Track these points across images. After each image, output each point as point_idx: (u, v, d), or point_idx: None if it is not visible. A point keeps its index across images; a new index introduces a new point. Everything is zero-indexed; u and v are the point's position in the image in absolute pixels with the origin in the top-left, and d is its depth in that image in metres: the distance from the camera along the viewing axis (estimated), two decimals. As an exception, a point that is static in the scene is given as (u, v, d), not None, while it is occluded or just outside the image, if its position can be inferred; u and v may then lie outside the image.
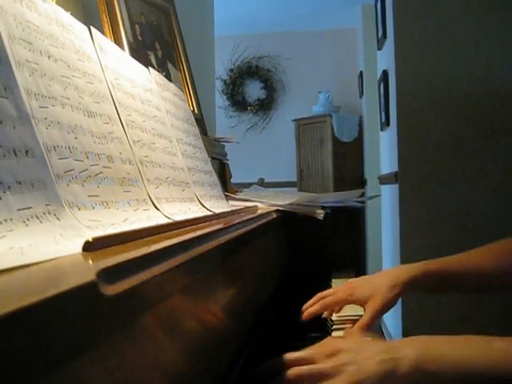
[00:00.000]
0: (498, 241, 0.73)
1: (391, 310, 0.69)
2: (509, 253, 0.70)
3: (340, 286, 0.73)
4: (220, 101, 4.07)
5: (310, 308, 0.70)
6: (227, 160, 1.35)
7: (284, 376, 0.46)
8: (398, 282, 0.66)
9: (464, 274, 0.69)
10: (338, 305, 0.72)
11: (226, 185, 1.28)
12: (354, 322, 0.68)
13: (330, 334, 0.69)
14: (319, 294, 0.72)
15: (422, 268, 0.69)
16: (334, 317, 0.75)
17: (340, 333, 0.68)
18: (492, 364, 0.45)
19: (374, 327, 0.69)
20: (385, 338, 0.69)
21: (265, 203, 0.96)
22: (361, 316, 0.67)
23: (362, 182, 3.77)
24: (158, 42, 1.10)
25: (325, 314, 0.72)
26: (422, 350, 0.47)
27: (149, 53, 1.04)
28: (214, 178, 0.76)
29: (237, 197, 1.08)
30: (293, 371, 0.47)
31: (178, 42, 1.21)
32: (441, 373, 0.46)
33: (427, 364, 0.46)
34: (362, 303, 0.68)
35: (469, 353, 0.47)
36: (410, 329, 1.99)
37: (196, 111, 1.21)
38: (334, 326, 0.72)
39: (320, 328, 0.71)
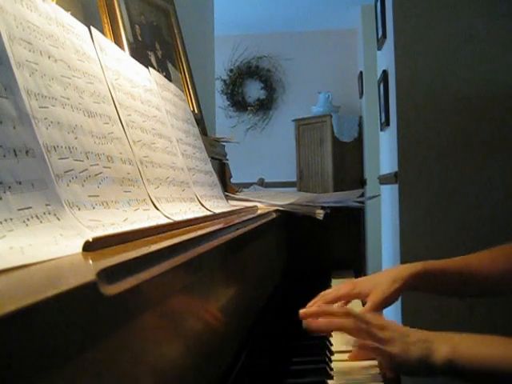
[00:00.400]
0: (499, 245, 0.73)
1: (391, 310, 0.69)
2: (509, 257, 0.70)
3: (342, 283, 0.73)
4: (220, 101, 4.07)
5: (311, 308, 0.70)
6: (227, 160, 1.35)
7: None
8: (399, 278, 0.68)
9: (465, 275, 0.70)
10: (340, 299, 0.71)
11: (226, 185, 1.28)
12: None
13: (330, 334, 0.69)
14: (322, 293, 0.72)
15: (423, 266, 0.70)
16: None
17: (339, 336, 0.67)
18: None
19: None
20: None
21: (264, 203, 0.96)
22: None
23: (361, 182, 3.77)
24: (158, 42, 1.11)
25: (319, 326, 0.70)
26: (455, 345, 0.51)
27: (149, 53, 1.04)
28: (214, 178, 0.76)
29: (237, 197, 1.08)
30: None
31: (178, 42, 1.21)
32: (470, 369, 0.50)
33: (459, 359, 0.50)
34: (363, 297, 0.69)
35: (499, 352, 0.50)
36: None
37: (196, 111, 1.21)
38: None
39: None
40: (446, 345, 0.51)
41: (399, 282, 0.67)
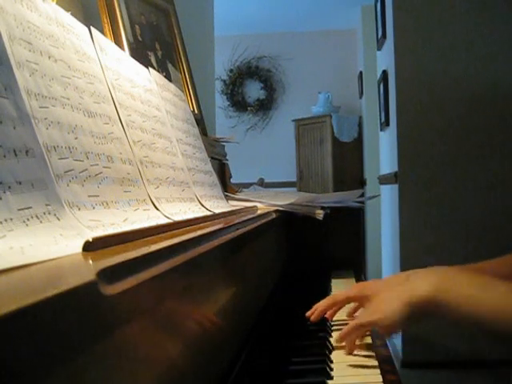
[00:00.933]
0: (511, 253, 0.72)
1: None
2: None
3: (352, 287, 0.73)
4: (220, 101, 4.07)
5: (320, 306, 0.70)
6: (227, 160, 1.35)
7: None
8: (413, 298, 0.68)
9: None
10: (350, 299, 0.71)
11: (226, 185, 1.28)
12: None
13: (330, 334, 0.69)
14: (332, 295, 0.72)
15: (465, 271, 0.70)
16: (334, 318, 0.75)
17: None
18: (507, 309, 0.48)
19: (374, 329, 0.69)
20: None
21: (264, 203, 0.96)
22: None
23: (361, 182, 3.77)
24: (158, 43, 1.11)
25: (327, 314, 0.71)
26: (438, 282, 0.52)
27: (149, 53, 1.04)
28: (214, 178, 0.76)
29: (236, 197, 1.08)
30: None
31: (178, 42, 1.21)
32: (453, 308, 0.50)
33: (440, 297, 0.50)
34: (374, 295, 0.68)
35: (484, 294, 0.50)
36: (409, 329, 1.99)
37: (196, 111, 1.21)
38: (334, 327, 0.72)
39: (320, 328, 0.71)
40: (429, 282, 0.52)
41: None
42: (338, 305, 0.70)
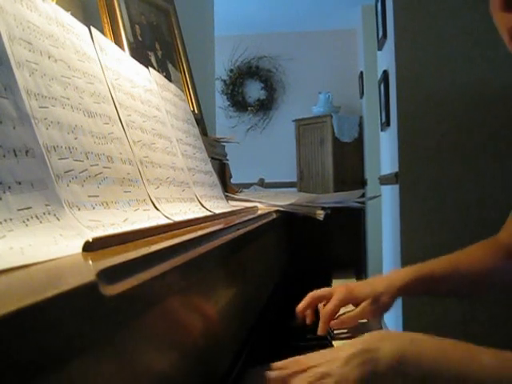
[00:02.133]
0: (487, 239, 0.73)
1: (391, 310, 0.69)
2: (494, 251, 0.70)
3: (336, 288, 0.72)
4: (220, 101, 4.07)
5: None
6: (227, 160, 1.35)
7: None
8: (392, 289, 0.68)
9: (455, 276, 0.70)
10: (339, 309, 0.69)
11: (226, 185, 1.28)
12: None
13: (330, 335, 0.69)
14: (312, 294, 0.71)
15: (414, 274, 0.70)
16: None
17: (340, 342, 0.67)
18: (476, 380, 0.40)
19: (374, 329, 0.69)
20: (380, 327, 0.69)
21: (265, 203, 0.96)
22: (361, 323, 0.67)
23: (362, 183, 3.77)
24: (158, 43, 1.10)
25: (320, 330, 0.68)
26: (403, 350, 0.42)
27: (149, 53, 1.04)
28: (214, 178, 0.76)
29: (237, 197, 1.08)
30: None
31: (178, 42, 1.21)
32: (419, 377, 0.41)
33: (406, 366, 0.41)
34: (359, 302, 0.69)
35: (453, 363, 0.41)
36: (410, 329, 1.99)
37: (196, 111, 1.21)
38: (335, 331, 0.72)
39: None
40: (392, 350, 0.42)
41: (392, 293, 0.67)
42: (331, 318, 0.68)
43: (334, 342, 0.68)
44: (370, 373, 0.41)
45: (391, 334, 0.45)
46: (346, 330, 0.70)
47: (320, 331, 0.67)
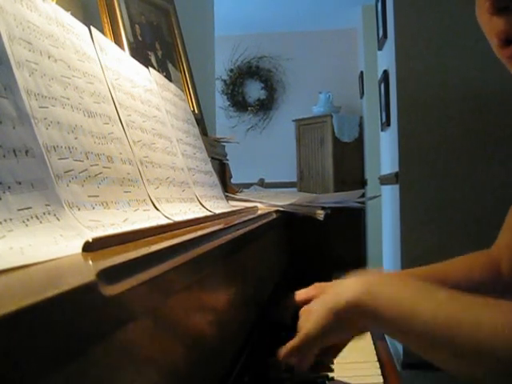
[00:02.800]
0: (475, 252, 0.72)
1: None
2: (484, 265, 0.69)
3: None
4: (220, 101, 4.07)
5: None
6: (227, 160, 1.35)
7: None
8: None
9: (442, 284, 0.69)
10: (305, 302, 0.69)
11: (226, 185, 1.27)
12: None
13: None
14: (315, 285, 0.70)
15: (408, 275, 0.68)
16: None
17: None
18: (429, 314, 0.40)
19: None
20: None
21: (265, 203, 0.96)
22: None
23: (362, 183, 3.77)
24: (158, 42, 1.10)
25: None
26: (365, 286, 0.46)
27: (149, 53, 1.04)
28: (214, 178, 0.76)
29: (237, 197, 1.08)
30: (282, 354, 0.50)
31: (178, 42, 1.21)
32: (380, 314, 0.43)
33: (366, 301, 0.44)
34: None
35: (407, 299, 0.43)
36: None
37: (196, 111, 1.21)
38: None
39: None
40: (356, 287, 0.46)
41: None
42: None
43: None
44: (332, 308, 0.47)
45: (359, 278, 0.49)
46: None
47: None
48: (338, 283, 0.53)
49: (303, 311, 0.53)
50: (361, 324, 0.48)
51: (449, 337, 0.39)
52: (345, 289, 0.48)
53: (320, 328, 0.47)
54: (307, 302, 0.67)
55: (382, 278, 0.49)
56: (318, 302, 0.50)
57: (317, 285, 0.69)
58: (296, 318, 0.54)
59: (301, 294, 0.66)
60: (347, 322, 0.47)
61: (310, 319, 0.49)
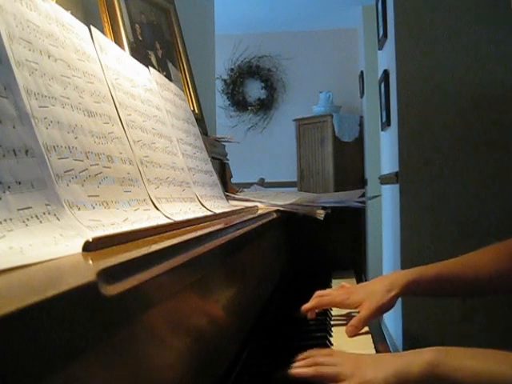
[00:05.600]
0: (494, 244, 0.73)
1: (391, 310, 0.69)
2: (505, 256, 0.70)
3: (337, 289, 0.74)
4: (220, 100, 4.07)
5: (307, 304, 0.72)
6: (227, 160, 1.35)
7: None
8: (395, 286, 0.68)
9: (460, 278, 0.70)
10: (333, 306, 0.73)
11: (227, 185, 1.27)
12: (351, 318, 0.69)
13: (330, 334, 0.69)
14: (318, 293, 0.73)
15: (419, 273, 0.70)
16: (334, 313, 0.76)
17: (340, 332, 0.68)
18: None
19: (374, 329, 0.69)
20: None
21: (265, 203, 0.96)
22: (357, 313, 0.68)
23: (362, 182, 3.77)
24: (159, 42, 1.10)
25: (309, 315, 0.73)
26: (438, 355, 0.45)
27: (149, 52, 1.04)
28: (215, 177, 0.76)
29: (237, 197, 1.08)
30: (297, 371, 0.48)
31: (179, 41, 1.21)
32: (455, 380, 0.44)
33: (441, 369, 0.44)
34: (356, 307, 0.69)
35: (487, 365, 0.44)
36: (410, 329, 1.99)
37: (196, 111, 1.20)
38: (333, 322, 0.73)
39: (320, 329, 0.71)
40: (428, 354, 0.45)
41: (395, 290, 0.67)
42: (322, 307, 0.73)
43: (333, 329, 0.69)
44: (402, 372, 0.44)
45: (426, 349, 0.47)
46: (343, 318, 0.72)
47: (309, 315, 0.72)
48: (387, 285, 0.54)
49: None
50: None
51: None
52: (412, 359, 0.46)
53: None
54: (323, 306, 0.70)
55: (443, 348, 0.47)
56: (379, 364, 0.47)
57: (341, 288, 0.72)
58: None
59: (323, 301, 0.69)
60: None
61: (366, 378, 0.45)
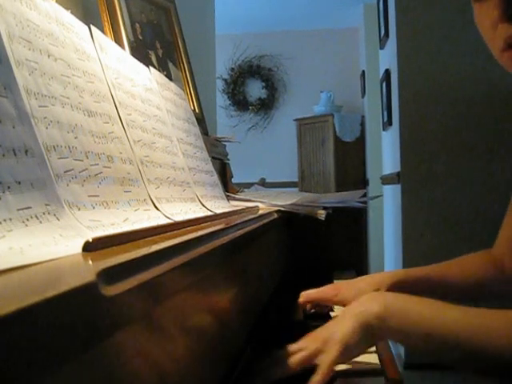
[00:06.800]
0: (478, 252, 0.74)
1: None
2: (489, 263, 0.71)
3: (325, 287, 0.74)
4: (221, 100, 4.07)
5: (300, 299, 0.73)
6: (228, 160, 1.35)
7: (284, 367, 0.50)
8: (382, 285, 0.69)
9: (447, 282, 0.71)
10: (321, 301, 0.74)
11: (227, 185, 1.27)
12: None
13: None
14: (304, 293, 0.74)
15: (406, 274, 0.71)
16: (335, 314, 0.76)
17: None
18: (460, 329, 0.46)
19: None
20: None
21: (266, 203, 0.96)
22: None
23: (364, 182, 3.76)
24: (159, 41, 1.10)
25: (308, 307, 0.75)
26: (389, 301, 0.50)
27: (149, 52, 1.04)
28: (215, 177, 0.76)
29: (238, 197, 1.08)
30: (289, 363, 0.50)
31: (179, 40, 1.21)
32: (405, 330, 0.48)
33: (392, 319, 0.48)
34: (343, 304, 0.70)
35: (434, 313, 0.48)
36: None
37: (197, 111, 1.20)
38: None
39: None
40: (378, 305, 0.49)
41: (383, 290, 0.68)
42: (309, 300, 0.74)
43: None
44: (364, 323, 0.49)
45: (377, 294, 0.53)
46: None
47: (308, 307, 0.74)
48: (358, 296, 0.57)
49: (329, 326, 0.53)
50: (383, 336, 0.51)
51: (466, 338, 0.45)
52: (369, 305, 0.50)
53: (352, 342, 0.49)
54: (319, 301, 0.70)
55: (399, 295, 0.53)
56: (343, 318, 0.51)
57: (330, 286, 0.73)
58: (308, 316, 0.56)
59: (311, 294, 0.70)
60: (373, 336, 0.50)
61: (337, 337, 0.49)
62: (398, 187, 2.17)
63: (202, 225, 0.47)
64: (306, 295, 0.72)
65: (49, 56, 0.39)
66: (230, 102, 4.32)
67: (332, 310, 0.78)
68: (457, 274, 0.71)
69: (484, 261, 0.72)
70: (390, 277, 0.70)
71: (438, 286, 0.71)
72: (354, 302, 0.53)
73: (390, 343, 0.67)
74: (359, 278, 0.74)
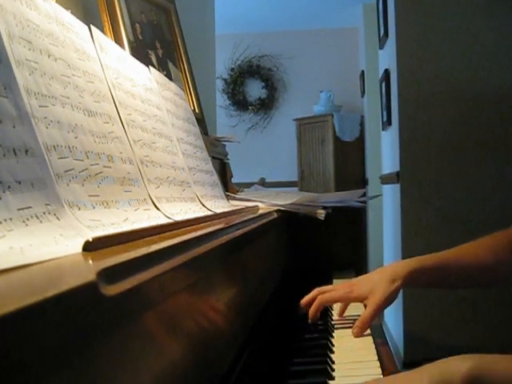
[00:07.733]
0: (493, 233, 0.73)
1: (392, 310, 0.69)
2: (504, 244, 0.70)
3: (339, 285, 0.73)
4: (221, 100, 4.07)
5: (307, 296, 0.71)
6: (228, 160, 1.35)
7: None
8: (398, 277, 0.67)
9: (461, 266, 0.70)
10: (336, 302, 0.73)
11: (227, 184, 1.27)
12: (354, 321, 0.69)
13: (331, 335, 0.69)
14: (317, 289, 0.72)
15: (419, 262, 0.69)
16: (335, 316, 0.75)
17: (340, 332, 0.68)
18: None
19: (375, 329, 0.69)
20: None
21: (266, 203, 0.96)
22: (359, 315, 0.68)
23: (363, 182, 3.76)
24: (159, 41, 1.10)
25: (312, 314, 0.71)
26: (476, 363, 0.43)
27: (149, 52, 1.04)
28: (215, 177, 0.76)
29: (237, 197, 1.08)
30: None
31: (179, 40, 1.21)
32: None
33: (482, 378, 0.41)
34: (361, 300, 0.69)
35: None
36: (411, 329, 1.99)
37: (197, 110, 1.20)
38: (336, 326, 0.72)
39: (321, 329, 0.71)
40: (465, 363, 0.42)
41: (398, 281, 0.66)
42: (324, 305, 0.71)
43: (335, 332, 0.69)
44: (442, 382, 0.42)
45: (461, 356, 0.45)
46: (345, 320, 0.72)
47: (310, 315, 0.70)
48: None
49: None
50: None
51: None
52: (453, 364, 0.43)
53: None
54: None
55: (484, 357, 0.44)
56: (417, 375, 0.45)
57: (342, 284, 0.71)
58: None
59: (324, 297, 0.67)
60: None
61: None
62: (397, 187, 2.17)
63: (202, 224, 0.47)
64: (321, 299, 0.69)
65: (49, 56, 0.39)
66: (229, 102, 4.31)
67: (330, 309, 0.78)
68: (472, 258, 0.69)
69: (501, 241, 0.70)
70: (404, 267, 0.68)
71: (454, 271, 0.69)
72: (435, 362, 0.45)
73: (388, 341, 0.67)
74: (372, 272, 0.72)
